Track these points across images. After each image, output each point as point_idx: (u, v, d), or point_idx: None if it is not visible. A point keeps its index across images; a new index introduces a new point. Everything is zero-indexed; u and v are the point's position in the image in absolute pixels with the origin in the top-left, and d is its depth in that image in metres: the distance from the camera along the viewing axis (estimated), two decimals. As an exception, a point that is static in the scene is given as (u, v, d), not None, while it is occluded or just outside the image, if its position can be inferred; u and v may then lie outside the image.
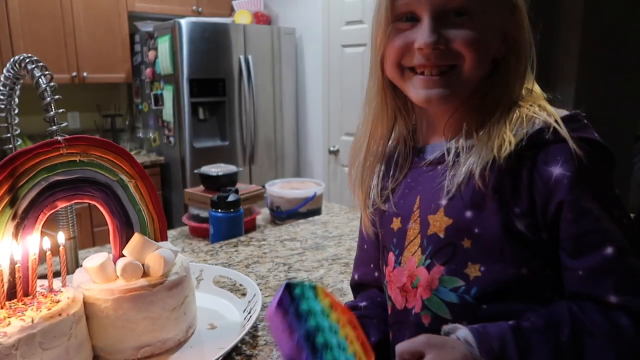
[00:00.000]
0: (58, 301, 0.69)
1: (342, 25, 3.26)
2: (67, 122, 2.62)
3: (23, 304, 0.68)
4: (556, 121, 0.60)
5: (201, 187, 1.75)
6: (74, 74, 3.03)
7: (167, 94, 3.15)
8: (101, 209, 0.79)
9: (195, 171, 1.77)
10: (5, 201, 0.68)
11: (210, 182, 1.70)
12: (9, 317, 0.65)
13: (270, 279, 1.09)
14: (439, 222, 0.65)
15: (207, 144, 3.24)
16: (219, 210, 1.33)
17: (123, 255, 0.79)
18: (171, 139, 3.19)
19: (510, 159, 0.60)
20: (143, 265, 0.78)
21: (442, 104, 0.65)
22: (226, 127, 3.32)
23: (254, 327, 0.86)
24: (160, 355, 0.78)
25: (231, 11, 3.61)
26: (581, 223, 0.58)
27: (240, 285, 1.04)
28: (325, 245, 1.29)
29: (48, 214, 0.73)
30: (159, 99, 3.23)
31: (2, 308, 0.67)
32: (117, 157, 0.78)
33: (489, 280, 0.62)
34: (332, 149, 3.45)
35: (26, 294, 0.71)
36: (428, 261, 0.66)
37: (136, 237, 0.79)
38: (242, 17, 3.45)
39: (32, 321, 0.65)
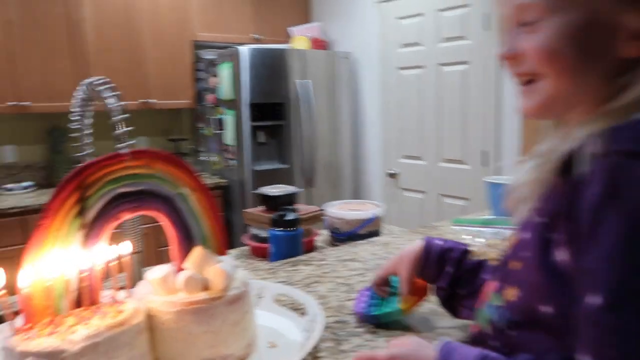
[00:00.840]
0: (121, 311, 0.70)
1: (398, 47, 3.25)
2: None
3: (90, 312, 0.69)
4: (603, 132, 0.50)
5: (261, 208, 1.76)
6: (143, 100, 3.19)
7: (229, 119, 3.24)
8: (163, 221, 0.79)
9: (254, 191, 1.78)
10: (74, 211, 0.70)
11: (270, 202, 1.72)
12: (75, 325, 0.66)
13: (331, 299, 1.06)
14: (512, 239, 0.63)
15: (267, 166, 3.29)
16: (279, 229, 1.33)
17: (184, 269, 0.79)
18: (232, 162, 3.26)
19: (557, 178, 0.54)
20: (204, 279, 0.78)
21: (531, 116, 0.61)
22: (285, 150, 3.36)
23: (316, 348, 0.83)
24: (220, 372, 0.77)
25: (289, 38, 3.69)
26: (584, 257, 0.49)
27: (301, 304, 1.01)
28: (386, 266, 1.24)
29: (114, 224, 0.75)
30: (220, 123, 3.33)
31: (70, 315, 0.68)
32: (178, 170, 0.79)
33: (519, 307, 0.58)
34: (390, 171, 3.40)
35: (92, 303, 0.72)
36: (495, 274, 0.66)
37: (197, 250, 0.79)
38: (299, 43, 3.52)
39: (97, 329, 0.65)
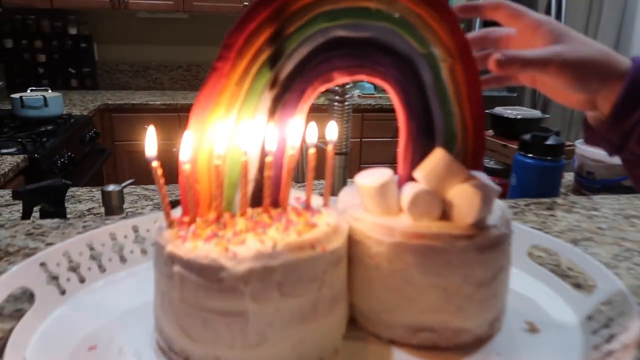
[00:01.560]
0: (314, 225, 0.44)
1: None
2: None
3: (268, 217, 0.45)
4: None
5: (490, 132, 1.41)
6: None
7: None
8: (393, 96, 0.50)
9: (487, 111, 1.42)
10: (264, 56, 0.45)
11: (504, 127, 1.36)
12: (246, 232, 0.42)
13: (621, 270, 0.67)
14: None
15: (492, 93, 2.80)
16: (531, 155, 0.94)
17: (414, 179, 0.49)
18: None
19: None
20: (443, 201, 0.47)
21: None
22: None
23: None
24: (447, 352, 0.47)
25: None
26: None
27: (570, 269, 0.65)
28: None
29: (320, 88, 0.48)
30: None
31: (242, 215, 0.45)
32: (434, 16, 0.47)
33: None
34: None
35: (275, 204, 0.48)
36: None
37: (439, 155, 0.48)
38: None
39: (274, 247, 0.40)
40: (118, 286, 0.57)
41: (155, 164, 0.42)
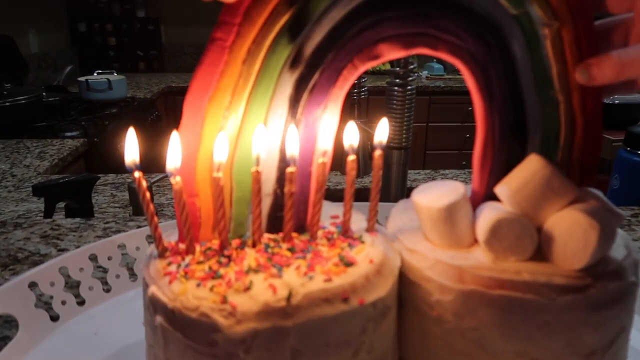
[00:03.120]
0: (351, 263, 0.32)
1: None
2: None
3: (289, 249, 0.33)
4: None
5: None
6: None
7: None
8: (468, 77, 0.35)
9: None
10: (282, 22, 0.32)
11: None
12: (255, 272, 0.31)
13: None
14: None
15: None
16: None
17: (494, 197, 0.35)
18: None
19: None
20: (539, 232, 0.33)
21: None
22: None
23: None
24: None
25: None
26: None
27: None
28: None
29: (360, 68, 0.34)
30: None
31: (253, 246, 0.34)
32: (531, -39, 0.32)
33: None
34: None
35: (299, 228, 0.36)
36: None
37: (534, 163, 0.34)
38: None
39: (288, 300, 0.28)
40: (124, 309, 0.48)
41: (137, 174, 0.32)
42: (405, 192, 0.75)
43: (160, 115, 2.50)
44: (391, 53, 0.34)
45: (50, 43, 2.87)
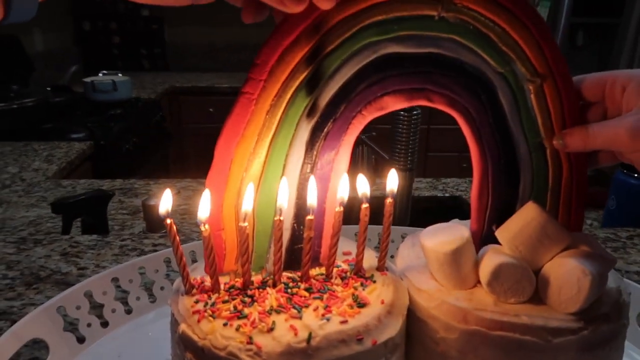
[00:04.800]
0: (364, 304, 0.35)
1: None
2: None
3: (306, 289, 0.36)
4: None
5: None
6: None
7: (542, 11, 2.53)
8: (463, 126, 0.39)
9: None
10: (300, 79, 0.35)
11: None
12: (277, 313, 0.33)
13: None
14: None
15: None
16: (637, 175, 0.78)
17: (492, 239, 0.38)
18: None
19: None
20: (536, 274, 0.36)
21: None
22: (608, 59, 2.52)
23: None
24: None
25: None
26: None
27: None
28: None
29: (368, 118, 0.37)
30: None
31: (273, 285, 0.37)
32: (518, 28, 0.35)
33: None
34: None
35: (314, 260, 0.39)
36: None
37: (531, 211, 0.37)
38: None
39: (309, 341, 0.31)
40: (145, 331, 0.51)
41: (169, 221, 0.34)
42: (409, 212, 0.78)
43: (165, 116, 2.53)
44: (395, 104, 0.38)
45: (55, 41, 2.89)
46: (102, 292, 0.50)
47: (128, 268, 0.53)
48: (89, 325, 0.48)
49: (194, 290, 0.36)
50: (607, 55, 2.52)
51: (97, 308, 0.50)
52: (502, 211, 0.40)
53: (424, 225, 0.40)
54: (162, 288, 0.55)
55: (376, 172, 0.96)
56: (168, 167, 2.52)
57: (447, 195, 1.02)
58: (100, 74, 2.43)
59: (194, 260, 0.57)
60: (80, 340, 0.47)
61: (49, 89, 2.38)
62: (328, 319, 0.33)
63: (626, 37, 2.43)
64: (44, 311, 0.45)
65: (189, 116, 2.80)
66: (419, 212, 0.94)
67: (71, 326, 0.48)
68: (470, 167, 0.41)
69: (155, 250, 0.65)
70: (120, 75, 2.43)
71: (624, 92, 0.36)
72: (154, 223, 0.74)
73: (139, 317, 0.52)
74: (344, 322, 0.33)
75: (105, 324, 0.50)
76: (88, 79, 2.26)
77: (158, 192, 0.95)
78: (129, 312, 0.52)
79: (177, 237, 0.35)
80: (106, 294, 0.50)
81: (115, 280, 0.51)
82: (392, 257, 0.45)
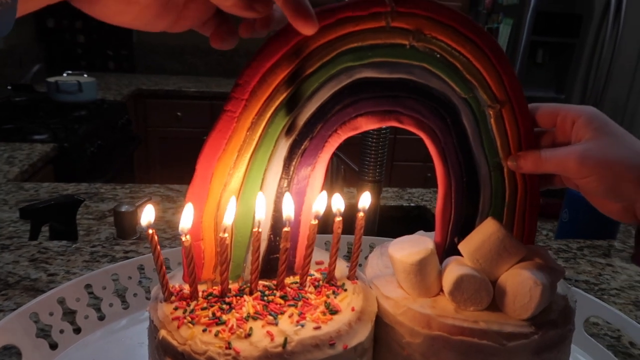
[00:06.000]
0: (335, 311, 0.37)
1: None
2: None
3: (282, 297, 0.38)
4: None
5: None
6: None
7: (504, 29, 2.64)
8: (429, 146, 0.42)
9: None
10: (280, 99, 0.37)
11: None
12: (254, 320, 0.35)
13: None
14: None
15: (539, 93, 2.64)
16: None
17: (454, 250, 0.41)
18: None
19: None
20: (494, 283, 0.39)
21: None
22: (566, 77, 2.65)
23: None
24: None
25: None
26: None
27: (633, 345, 0.56)
28: None
29: (343, 137, 0.40)
30: (492, 34, 2.75)
31: (250, 293, 0.38)
32: (481, 58, 0.39)
33: None
34: None
35: (289, 269, 0.41)
36: None
37: (490, 227, 0.40)
38: None
39: (284, 346, 0.33)
40: (118, 337, 0.51)
41: (151, 231, 0.36)
42: (377, 222, 0.81)
43: (130, 119, 2.49)
44: (368, 125, 0.41)
45: (16, 38, 2.80)
46: (75, 298, 0.51)
47: (101, 275, 0.53)
48: (61, 331, 0.49)
49: (173, 298, 0.38)
50: (564, 71, 2.65)
51: (69, 314, 0.50)
52: (464, 225, 0.44)
53: (391, 233, 0.43)
54: (135, 295, 0.55)
55: (345, 182, 0.99)
56: (133, 171, 2.48)
57: (412, 205, 1.06)
58: (65, 74, 2.37)
59: (167, 267, 0.58)
60: (53, 346, 0.48)
61: (9, 87, 2.31)
62: (302, 325, 0.35)
63: (582, 56, 2.57)
64: (17, 317, 0.45)
65: (155, 119, 2.76)
66: (385, 220, 0.97)
67: (43, 332, 0.48)
68: (434, 177, 0.44)
69: (127, 257, 0.65)
70: (85, 75, 2.38)
71: (573, 125, 0.40)
72: (125, 230, 0.74)
73: (111, 323, 0.53)
74: (318, 328, 0.35)
75: (78, 330, 0.50)
76: (52, 79, 2.20)
77: (125, 197, 0.96)
78: (101, 318, 0.52)
79: (159, 247, 0.36)
80: (79, 300, 0.51)
81: (88, 286, 0.52)
82: (360, 265, 0.48)
